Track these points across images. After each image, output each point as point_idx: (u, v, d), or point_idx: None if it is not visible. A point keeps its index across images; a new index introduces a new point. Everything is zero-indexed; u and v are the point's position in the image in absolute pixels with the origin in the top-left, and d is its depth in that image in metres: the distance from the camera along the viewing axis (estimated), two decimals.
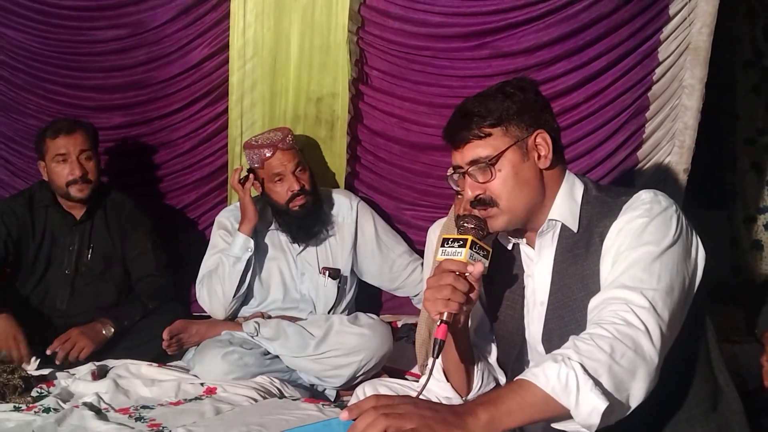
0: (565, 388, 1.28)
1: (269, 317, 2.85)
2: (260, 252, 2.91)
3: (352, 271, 3.01)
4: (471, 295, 1.53)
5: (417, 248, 3.13)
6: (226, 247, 2.88)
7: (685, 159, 3.06)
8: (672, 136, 3.05)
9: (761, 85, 3.39)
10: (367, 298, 3.17)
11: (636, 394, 1.35)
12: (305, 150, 3.05)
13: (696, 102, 2.99)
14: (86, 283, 2.95)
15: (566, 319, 1.63)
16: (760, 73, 3.38)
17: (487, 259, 1.56)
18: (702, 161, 3.16)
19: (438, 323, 1.51)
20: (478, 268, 1.53)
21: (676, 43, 2.95)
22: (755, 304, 2.70)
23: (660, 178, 3.10)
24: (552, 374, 1.29)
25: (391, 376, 2.66)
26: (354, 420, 1.26)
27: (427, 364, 1.73)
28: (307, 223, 2.88)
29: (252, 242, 2.83)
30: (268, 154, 2.81)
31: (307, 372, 2.70)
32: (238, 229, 2.84)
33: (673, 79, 3.00)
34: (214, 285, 2.84)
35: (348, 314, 2.90)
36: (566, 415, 1.31)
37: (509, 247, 1.77)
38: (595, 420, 1.28)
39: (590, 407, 1.27)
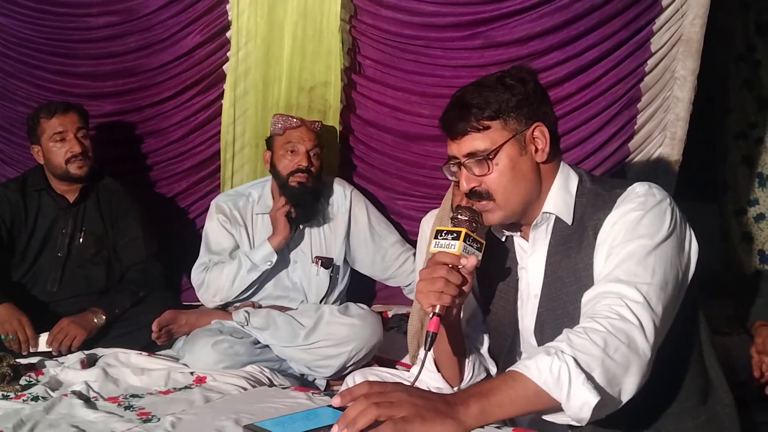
0: (557, 382, 1.28)
1: (260, 307, 2.84)
2: (256, 235, 2.93)
3: (344, 260, 3.01)
4: (464, 287, 1.53)
5: (410, 238, 3.13)
6: (231, 245, 2.92)
7: (677, 150, 3.06)
8: (664, 127, 3.06)
9: (753, 79, 3.38)
10: (359, 288, 3.17)
11: (628, 388, 1.35)
12: None
13: (688, 93, 2.99)
14: (77, 266, 2.96)
15: (558, 312, 1.63)
16: (752, 67, 3.38)
17: (481, 252, 1.56)
18: (693, 153, 3.17)
19: (430, 316, 1.51)
20: (471, 261, 1.52)
21: (669, 34, 2.95)
22: (745, 296, 2.71)
23: (651, 170, 3.10)
24: (544, 367, 1.29)
25: (381, 366, 2.66)
26: (345, 407, 1.26)
27: (418, 355, 1.73)
28: (301, 201, 2.86)
29: (275, 257, 2.83)
30: (294, 124, 2.86)
31: (297, 362, 2.70)
32: (268, 239, 2.83)
33: (665, 71, 3.00)
34: (221, 281, 2.83)
35: (339, 304, 2.90)
36: (557, 408, 1.31)
37: (503, 239, 1.77)
38: (586, 414, 1.28)
39: (581, 401, 1.27)
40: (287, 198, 2.83)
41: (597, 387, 1.29)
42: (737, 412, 1.67)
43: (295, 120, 2.87)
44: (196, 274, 2.93)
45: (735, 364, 2.42)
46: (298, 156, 2.84)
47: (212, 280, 2.86)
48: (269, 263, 2.83)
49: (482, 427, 1.27)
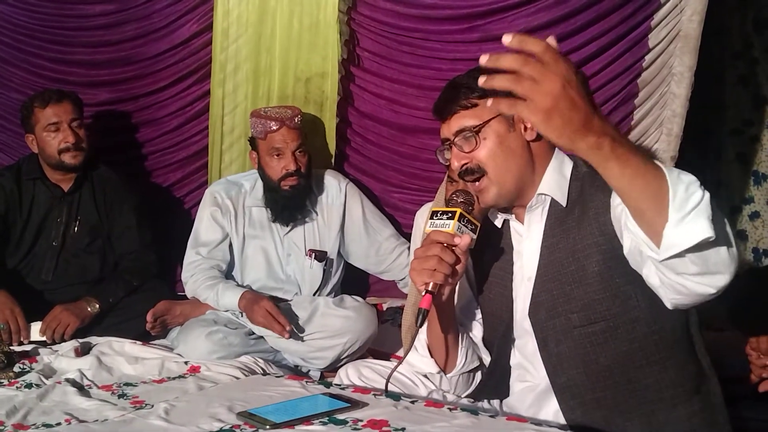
0: (686, 197, 1.23)
1: None
2: (247, 227, 2.92)
3: (338, 253, 3.01)
4: (457, 267, 1.54)
5: (404, 231, 3.13)
6: (219, 238, 2.90)
7: (673, 147, 3.06)
8: (660, 123, 3.05)
9: (749, 76, 3.39)
10: (353, 281, 3.16)
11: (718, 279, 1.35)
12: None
13: (685, 90, 2.98)
14: (72, 256, 2.95)
15: (555, 292, 1.64)
16: (749, 65, 3.39)
17: (475, 233, 1.58)
18: (688, 150, 3.17)
19: (423, 293, 1.53)
20: (465, 240, 1.54)
21: (667, 30, 2.94)
22: (738, 294, 2.71)
23: None
24: (683, 178, 1.25)
25: (375, 359, 2.66)
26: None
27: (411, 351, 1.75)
28: (293, 205, 2.86)
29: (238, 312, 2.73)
30: (273, 127, 2.78)
31: (292, 353, 2.70)
32: (239, 300, 2.68)
33: (663, 67, 2.99)
34: (197, 295, 2.83)
35: (334, 296, 2.90)
36: (655, 221, 1.25)
37: (498, 225, 1.78)
38: (688, 243, 1.22)
39: (698, 229, 1.22)
40: (279, 200, 2.83)
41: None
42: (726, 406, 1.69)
43: (273, 123, 2.78)
44: (185, 272, 2.92)
45: (725, 361, 2.43)
46: (285, 159, 2.79)
47: (192, 289, 2.85)
48: (233, 314, 2.75)
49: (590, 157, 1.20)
